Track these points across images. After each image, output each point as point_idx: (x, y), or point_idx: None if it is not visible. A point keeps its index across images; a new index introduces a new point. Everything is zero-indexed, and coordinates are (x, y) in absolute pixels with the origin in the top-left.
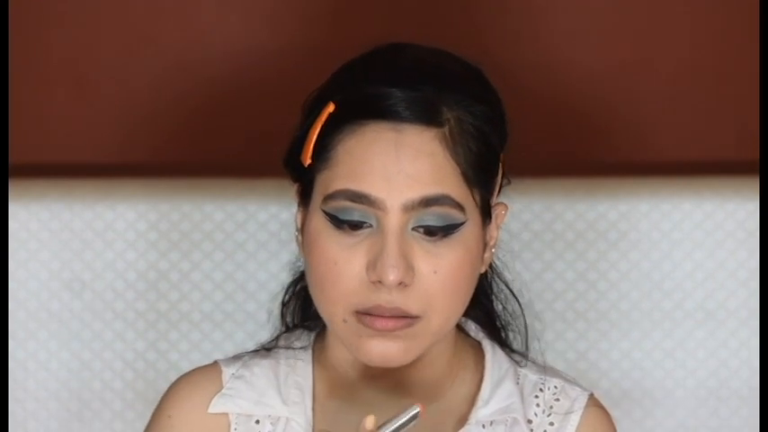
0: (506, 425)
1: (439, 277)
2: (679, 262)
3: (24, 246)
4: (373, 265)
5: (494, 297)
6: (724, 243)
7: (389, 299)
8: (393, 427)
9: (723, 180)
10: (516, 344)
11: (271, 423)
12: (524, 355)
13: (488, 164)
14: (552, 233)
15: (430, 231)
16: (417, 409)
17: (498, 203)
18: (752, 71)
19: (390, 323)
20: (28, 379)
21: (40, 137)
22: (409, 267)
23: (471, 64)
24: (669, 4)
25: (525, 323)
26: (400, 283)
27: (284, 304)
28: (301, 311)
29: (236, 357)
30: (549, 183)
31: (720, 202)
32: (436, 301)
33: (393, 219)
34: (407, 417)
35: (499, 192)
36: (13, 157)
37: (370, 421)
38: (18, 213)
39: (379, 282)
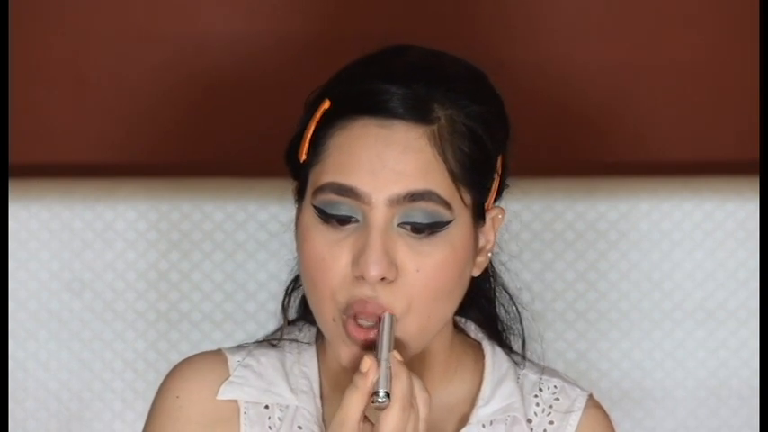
0: (506, 424)
1: (421, 276)
2: (679, 262)
3: (24, 246)
4: (357, 260)
5: (496, 301)
6: (724, 243)
7: (372, 294)
8: (384, 347)
9: (723, 180)
10: (516, 346)
11: (280, 410)
12: (523, 357)
13: (481, 165)
14: (552, 233)
15: (416, 228)
16: (388, 315)
17: (495, 207)
18: (752, 71)
19: (372, 333)
20: (28, 379)
21: (40, 137)
22: (392, 263)
23: (474, 67)
24: (669, 4)
25: (522, 329)
26: (383, 279)
27: (287, 295)
28: (303, 305)
29: (241, 347)
30: (549, 183)
31: (720, 202)
32: (417, 301)
33: (378, 213)
34: (386, 329)
35: (500, 195)
36: (13, 157)
37: (365, 364)
38: (18, 213)
39: (362, 277)
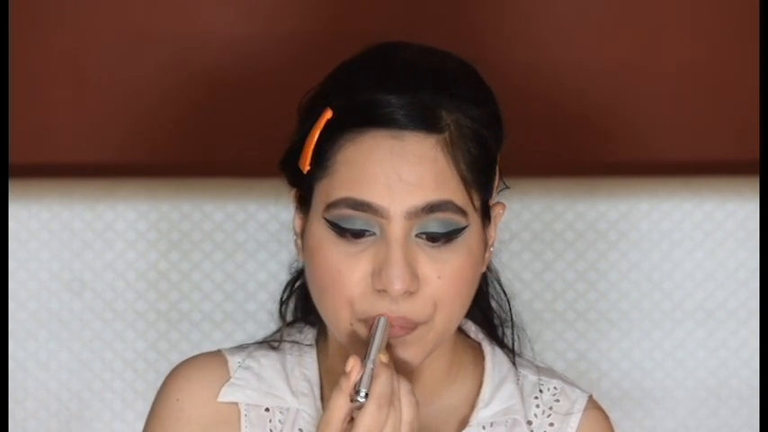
0: (507, 426)
1: (444, 282)
2: (679, 262)
3: (24, 246)
4: (378, 273)
5: (490, 295)
6: (724, 243)
7: (394, 308)
8: (373, 349)
9: (723, 180)
10: (512, 341)
11: (280, 412)
12: (512, 351)
13: (486, 166)
14: (552, 233)
15: (432, 238)
16: (383, 319)
17: (496, 203)
18: (752, 71)
19: (398, 331)
20: (28, 379)
21: (40, 137)
22: (414, 275)
23: (466, 63)
24: (669, 4)
25: (512, 319)
26: (405, 292)
27: (282, 302)
28: (301, 308)
29: (241, 347)
30: (549, 183)
31: (720, 202)
32: (441, 305)
33: (396, 226)
34: (379, 332)
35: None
36: (13, 157)
37: (348, 364)
38: (18, 213)
39: (384, 290)
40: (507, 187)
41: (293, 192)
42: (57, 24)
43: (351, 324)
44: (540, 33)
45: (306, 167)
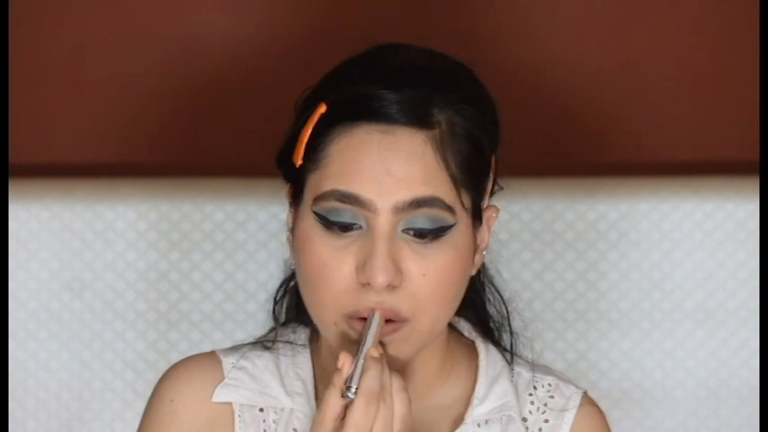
0: (501, 423)
1: (428, 280)
2: (679, 262)
3: (24, 246)
4: (362, 267)
5: (486, 300)
6: (724, 243)
7: (379, 300)
8: (366, 344)
9: (723, 180)
10: (509, 345)
11: (275, 412)
12: (512, 354)
13: (478, 166)
14: (552, 233)
15: (420, 233)
16: (378, 315)
17: (490, 206)
18: (752, 72)
19: (383, 329)
20: (28, 379)
21: (40, 137)
22: (398, 270)
23: (464, 65)
24: (670, 4)
25: (511, 329)
26: (388, 286)
27: (276, 302)
28: (295, 308)
29: (234, 348)
30: (549, 183)
31: (720, 202)
32: (425, 304)
33: (383, 220)
34: (372, 327)
35: (491, 195)
36: (13, 157)
37: (340, 361)
38: (18, 213)
39: (368, 284)
40: (501, 188)
41: (287, 187)
42: (57, 24)
43: (335, 323)
44: (541, 33)
45: (298, 161)
